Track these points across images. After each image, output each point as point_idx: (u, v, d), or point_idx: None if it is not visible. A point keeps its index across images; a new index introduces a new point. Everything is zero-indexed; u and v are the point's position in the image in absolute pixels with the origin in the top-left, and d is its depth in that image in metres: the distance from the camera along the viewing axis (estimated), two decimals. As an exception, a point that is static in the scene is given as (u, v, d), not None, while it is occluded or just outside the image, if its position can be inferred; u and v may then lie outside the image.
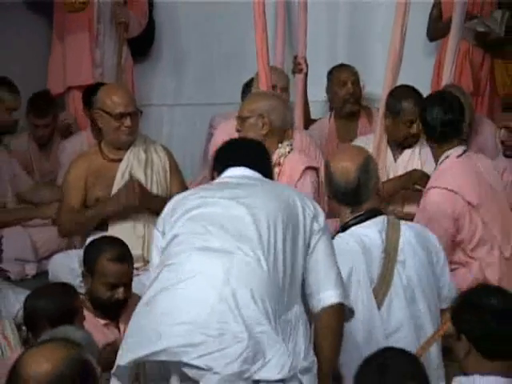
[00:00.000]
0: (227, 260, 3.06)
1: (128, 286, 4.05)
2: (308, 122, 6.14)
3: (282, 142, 4.81)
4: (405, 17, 5.16)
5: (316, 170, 4.93)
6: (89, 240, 4.73)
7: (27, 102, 6.17)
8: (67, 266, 4.94)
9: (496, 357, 3.07)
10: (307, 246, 3.19)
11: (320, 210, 3.29)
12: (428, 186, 4.64)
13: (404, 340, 3.66)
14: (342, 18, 6.98)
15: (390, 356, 3.06)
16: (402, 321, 3.73)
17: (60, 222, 5.10)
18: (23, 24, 6.77)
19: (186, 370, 2.97)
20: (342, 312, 3.20)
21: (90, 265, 4.03)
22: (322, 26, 6.70)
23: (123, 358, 3.04)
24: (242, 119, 4.59)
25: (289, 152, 4.87)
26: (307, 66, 6.15)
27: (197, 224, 3.15)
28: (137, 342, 3.04)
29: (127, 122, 4.87)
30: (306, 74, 6.14)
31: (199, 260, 3.09)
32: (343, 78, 6.10)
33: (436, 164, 4.70)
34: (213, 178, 3.48)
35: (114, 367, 3.07)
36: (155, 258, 3.28)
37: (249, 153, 3.49)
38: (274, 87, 5.39)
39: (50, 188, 5.94)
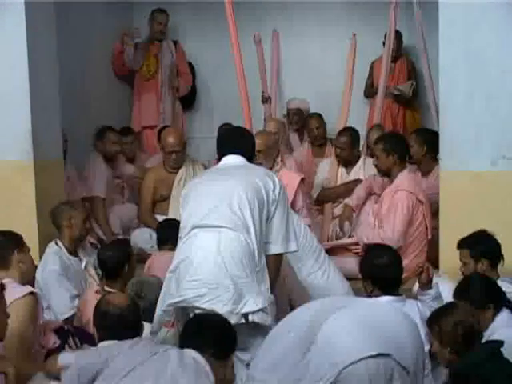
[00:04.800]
0: (218, 236, 3.52)
1: None
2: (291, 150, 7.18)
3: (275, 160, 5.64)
4: (351, 85, 6.55)
5: (303, 179, 5.65)
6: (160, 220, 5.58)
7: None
8: (142, 237, 6.02)
9: (389, 291, 3.80)
10: (269, 213, 3.65)
11: (277, 182, 3.67)
12: (394, 189, 5.26)
13: None
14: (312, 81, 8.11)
15: None
16: None
17: (140, 217, 6.21)
18: (115, 88, 8.04)
19: (198, 312, 3.46)
20: (280, 257, 3.74)
21: None
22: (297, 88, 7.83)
23: (161, 305, 3.58)
24: (258, 151, 4.92)
25: (280, 167, 5.55)
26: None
27: (195, 214, 3.63)
28: (168, 295, 3.58)
29: (173, 156, 5.97)
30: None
31: (201, 238, 3.56)
32: (311, 126, 7.14)
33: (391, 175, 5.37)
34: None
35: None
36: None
37: (236, 142, 3.86)
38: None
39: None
